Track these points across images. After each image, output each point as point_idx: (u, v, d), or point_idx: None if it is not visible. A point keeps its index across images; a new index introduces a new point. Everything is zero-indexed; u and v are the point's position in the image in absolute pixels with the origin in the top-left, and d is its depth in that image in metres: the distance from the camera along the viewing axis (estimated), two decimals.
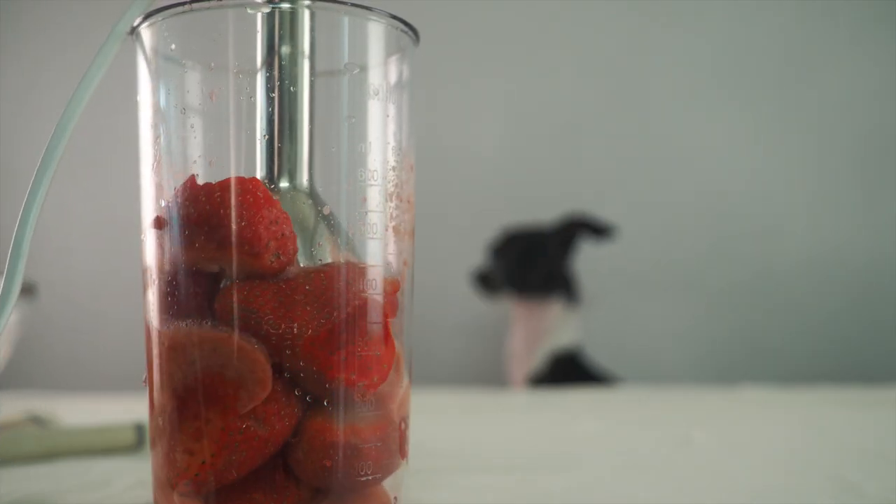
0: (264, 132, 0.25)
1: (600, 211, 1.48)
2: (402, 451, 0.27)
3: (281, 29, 0.25)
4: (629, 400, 0.79)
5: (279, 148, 0.25)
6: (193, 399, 0.24)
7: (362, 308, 0.25)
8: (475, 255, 1.38)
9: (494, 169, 1.52)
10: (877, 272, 1.44)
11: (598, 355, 1.33)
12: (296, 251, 0.24)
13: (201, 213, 0.24)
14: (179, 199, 0.24)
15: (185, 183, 0.24)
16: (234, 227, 0.23)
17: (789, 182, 1.48)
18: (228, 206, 0.23)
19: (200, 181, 0.25)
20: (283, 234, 0.24)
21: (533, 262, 1.28)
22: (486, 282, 1.33)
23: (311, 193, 0.26)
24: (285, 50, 0.25)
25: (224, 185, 0.24)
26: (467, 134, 1.52)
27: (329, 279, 0.24)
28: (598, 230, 1.27)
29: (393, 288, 0.26)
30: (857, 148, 1.46)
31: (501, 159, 1.53)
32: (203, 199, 0.24)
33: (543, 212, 1.45)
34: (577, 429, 0.56)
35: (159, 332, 0.25)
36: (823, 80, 1.47)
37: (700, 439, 0.49)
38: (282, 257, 0.24)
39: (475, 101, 1.53)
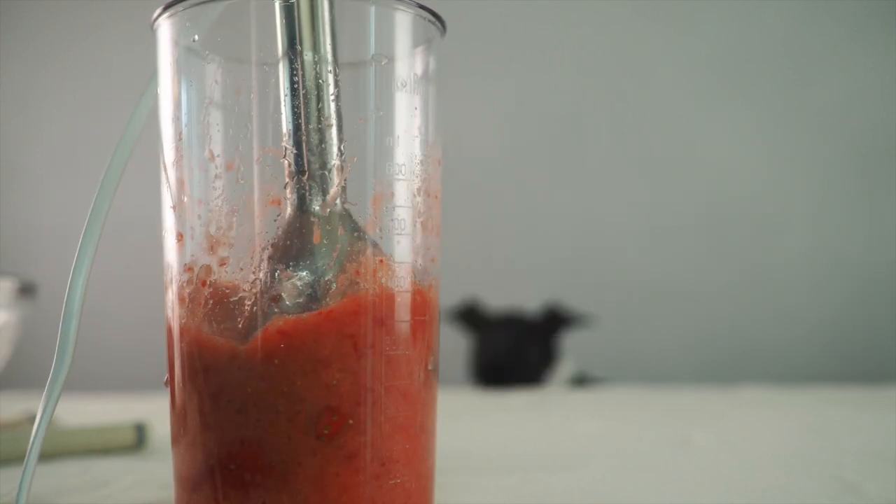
0: (289, 126, 0.24)
1: (601, 212, 1.48)
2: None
3: (305, 20, 0.24)
4: (629, 400, 0.79)
5: (307, 147, 0.24)
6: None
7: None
8: (475, 254, 1.38)
9: (493, 170, 1.52)
10: (877, 273, 1.44)
11: (599, 358, 1.33)
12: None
13: None
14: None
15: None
16: None
17: (789, 183, 1.48)
18: None
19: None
20: None
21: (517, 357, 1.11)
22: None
23: (342, 200, 0.25)
24: (311, 41, 0.24)
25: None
26: (466, 134, 1.52)
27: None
28: (573, 323, 1.15)
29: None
30: (857, 150, 1.46)
31: (500, 160, 1.53)
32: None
33: (543, 213, 1.44)
34: (577, 429, 0.56)
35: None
36: (823, 81, 1.47)
37: (699, 439, 0.49)
38: None
39: (474, 102, 1.53)
